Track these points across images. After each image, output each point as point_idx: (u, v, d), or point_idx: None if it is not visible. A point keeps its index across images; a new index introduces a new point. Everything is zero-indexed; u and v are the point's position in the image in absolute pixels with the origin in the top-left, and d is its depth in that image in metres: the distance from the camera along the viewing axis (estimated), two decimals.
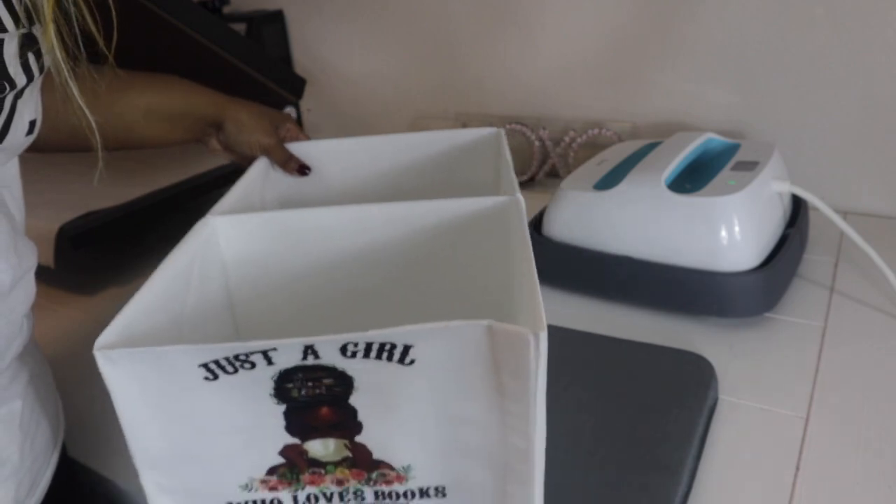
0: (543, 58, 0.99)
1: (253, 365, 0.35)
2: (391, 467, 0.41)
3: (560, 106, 1.00)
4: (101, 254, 0.84)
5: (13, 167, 0.48)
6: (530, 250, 0.42)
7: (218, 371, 0.36)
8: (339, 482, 0.41)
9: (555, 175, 0.99)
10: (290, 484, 0.41)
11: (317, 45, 1.20)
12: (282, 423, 0.38)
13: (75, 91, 0.44)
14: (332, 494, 0.42)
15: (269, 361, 0.35)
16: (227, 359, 0.35)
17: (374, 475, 0.41)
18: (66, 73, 0.43)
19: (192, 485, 0.41)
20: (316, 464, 0.40)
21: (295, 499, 0.42)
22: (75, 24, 0.42)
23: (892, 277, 0.64)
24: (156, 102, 0.61)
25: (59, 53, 0.41)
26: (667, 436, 0.49)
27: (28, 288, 0.48)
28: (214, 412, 0.38)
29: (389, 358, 0.35)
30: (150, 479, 0.41)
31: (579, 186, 0.71)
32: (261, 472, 0.41)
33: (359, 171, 0.66)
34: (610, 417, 0.51)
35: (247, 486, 0.41)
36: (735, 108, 0.87)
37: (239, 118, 0.63)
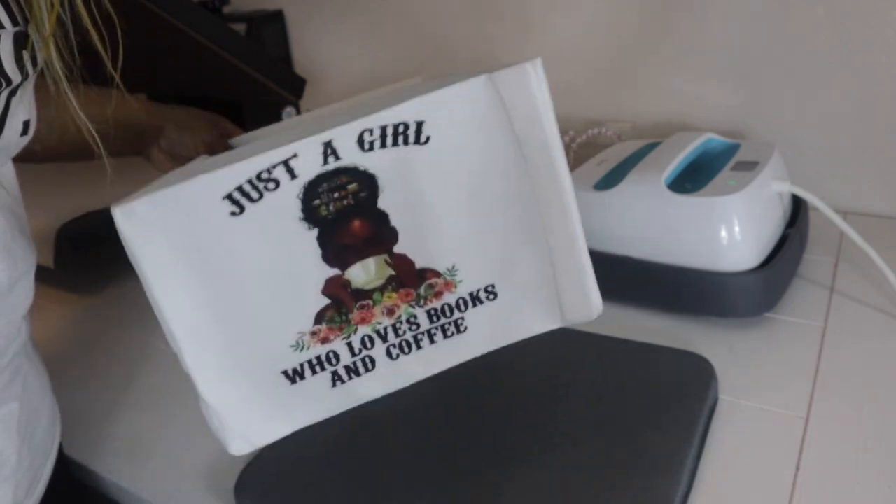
0: (543, 57, 0.98)
1: (277, 183, 0.34)
2: (437, 273, 0.39)
3: (560, 106, 0.99)
4: (101, 254, 0.84)
5: (9, 171, 0.48)
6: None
7: (243, 200, 0.34)
8: (390, 312, 0.39)
9: None
10: (340, 329, 0.39)
11: (317, 45, 1.20)
12: (317, 252, 0.36)
13: (73, 101, 0.44)
14: (385, 330, 0.39)
15: (292, 174, 0.34)
16: (250, 182, 0.34)
17: (422, 290, 0.39)
18: (65, 85, 0.42)
19: (241, 359, 0.37)
20: (361, 295, 0.38)
21: (350, 346, 0.39)
22: (72, 37, 0.42)
23: (892, 277, 0.64)
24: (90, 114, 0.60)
25: (57, 64, 0.41)
26: (667, 436, 0.49)
27: (27, 289, 0.48)
28: (247, 256, 0.35)
29: (405, 141, 0.35)
30: (198, 363, 0.37)
31: (579, 186, 0.71)
32: (308, 323, 0.38)
33: None
34: (609, 417, 0.51)
35: (297, 344, 0.38)
36: (735, 108, 0.87)
37: (177, 119, 0.63)
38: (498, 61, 1.02)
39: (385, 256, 0.37)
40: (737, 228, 0.61)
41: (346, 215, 0.36)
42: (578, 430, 0.50)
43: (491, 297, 0.40)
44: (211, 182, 0.33)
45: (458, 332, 0.40)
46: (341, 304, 0.38)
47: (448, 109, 0.36)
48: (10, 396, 0.47)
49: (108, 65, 0.44)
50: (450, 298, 0.40)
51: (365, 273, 0.38)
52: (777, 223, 0.66)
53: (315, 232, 0.36)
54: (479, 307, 0.40)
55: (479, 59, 1.04)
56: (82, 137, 0.46)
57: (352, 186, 0.35)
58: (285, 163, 0.33)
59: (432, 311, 0.40)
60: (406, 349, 0.40)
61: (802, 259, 0.71)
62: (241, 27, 1.12)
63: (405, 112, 0.34)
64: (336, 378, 0.40)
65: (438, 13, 1.05)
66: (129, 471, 0.56)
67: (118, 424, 0.61)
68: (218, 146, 0.62)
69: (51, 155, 0.58)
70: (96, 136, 0.46)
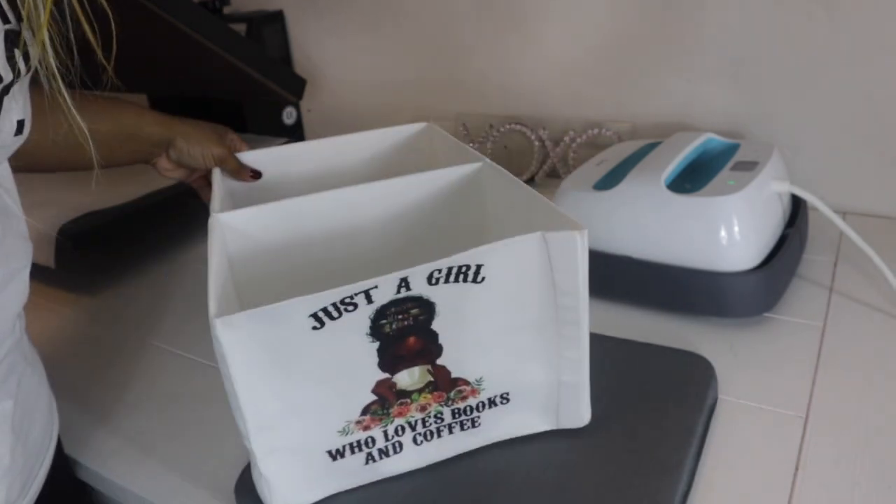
0: (544, 58, 0.99)
1: (355, 306, 0.40)
2: (467, 382, 0.47)
3: (560, 106, 1.00)
4: (101, 254, 0.84)
5: (5, 169, 0.48)
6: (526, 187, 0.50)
7: (325, 318, 0.40)
8: (423, 408, 0.46)
9: (555, 175, 0.99)
10: (380, 420, 0.46)
11: (317, 45, 1.20)
12: (375, 360, 0.43)
13: (67, 99, 0.44)
14: (416, 422, 0.47)
15: (369, 300, 0.40)
16: (334, 304, 0.40)
17: (452, 394, 0.47)
18: (60, 83, 0.43)
19: (295, 441, 0.44)
20: (403, 394, 0.45)
21: (385, 433, 0.46)
22: (70, 31, 0.42)
23: (891, 277, 0.64)
24: (104, 126, 0.61)
25: (51, 60, 0.41)
26: (666, 435, 0.49)
27: (20, 287, 0.48)
28: (318, 361, 0.42)
29: (465, 279, 0.42)
30: (261, 443, 0.43)
31: (579, 186, 0.71)
32: (356, 414, 0.45)
33: (302, 174, 0.68)
34: (609, 417, 0.51)
35: (343, 430, 0.45)
36: (735, 108, 0.87)
37: (187, 133, 0.65)
38: (498, 63, 1.02)
39: (428, 366, 0.45)
40: (736, 228, 0.61)
41: (405, 332, 0.43)
42: (578, 429, 0.50)
43: (504, 401, 0.48)
44: (304, 303, 0.39)
45: (473, 426, 0.48)
46: (386, 400, 0.45)
47: (504, 256, 0.42)
48: (4, 395, 0.46)
49: (99, 54, 0.44)
50: (472, 402, 0.48)
51: (410, 378, 0.45)
52: (776, 223, 0.67)
53: (377, 344, 0.43)
54: (494, 409, 0.48)
55: (480, 59, 1.04)
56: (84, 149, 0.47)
57: (414, 311, 0.42)
58: (366, 292, 0.40)
59: (456, 410, 0.48)
60: (429, 437, 0.48)
61: (802, 259, 0.71)
62: (241, 27, 1.12)
63: (472, 256, 0.42)
64: (369, 458, 0.47)
65: (438, 14, 1.05)
66: (129, 470, 0.56)
67: (118, 424, 0.61)
68: (227, 161, 0.66)
69: (60, 163, 0.60)
70: (89, 138, 0.46)
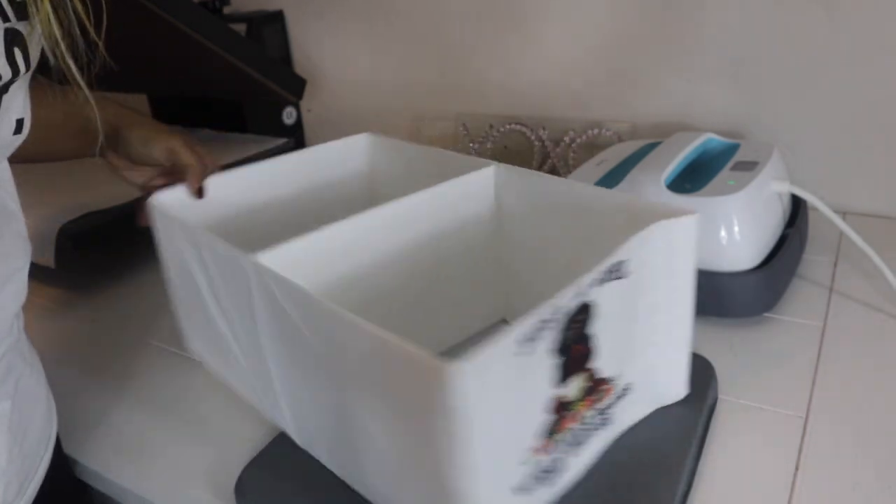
0: (544, 58, 0.99)
1: (549, 323, 0.39)
2: (606, 381, 0.46)
3: (560, 106, 1.00)
4: (101, 254, 0.84)
5: (4, 170, 0.48)
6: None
7: (528, 341, 0.37)
8: (576, 418, 0.44)
9: (555, 175, 0.99)
10: (552, 439, 0.42)
11: (317, 45, 1.20)
12: (556, 377, 0.41)
13: (73, 67, 0.43)
14: (576, 432, 0.45)
15: (557, 313, 0.39)
16: (536, 325, 0.37)
17: (597, 395, 0.46)
18: (63, 50, 0.42)
19: (491, 477, 0.39)
20: (566, 407, 0.43)
21: (546, 450, 0.43)
22: (69, 7, 0.42)
23: (891, 277, 0.64)
24: (55, 117, 0.56)
25: (55, 30, 0.41)
26: (667, 435, 0.49)
27: (18, 287, 0.48)
28: (527, 390, 0.39)
29: (617, 276, 0.43)
30: (487, 486, 0.38)
31: None
32: (537, 440, 0.41)
33: (256, 197, 0.64)
34: None
35: (524, 460, 0.41)
36: (735, 108, 0.87)
37: (138, 122, 0.59)
38: (498, 63, 1.02)
39: (588, 372, 0.44)
40: (736, 228, 0.61)
41: (574, 341, 0.42)
42: None
43: (627, 392, 0.48)
44: (516, 329, 0.36)
45: (606, 425, 0.48)
46: (556, 417, 0.42)
47: (642, 248, 0.44)
48: (2, 395, 0.46)
49: (91, 31, 0.44)
50: (609, 399, 0.47)
51: (576, 388, 0.43)
52: (776, 223, 0.67)
53: (558, 359, 0.40)
54: (621, 402, 0.48)
55: (480, 59, 1.04)
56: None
57: (581, 317, 0.41)
58: (559, 306, 0.38)
59: (599, 411, 0.46)
60: (582, 443, 0.46)
61: (802, 259, 0.71)
62: (241, 27, 1.12)
63: (625, 252, 0.42)
64: (547, 482, 0.43)
65: (438, 14, 1.05)
66: (129, 470, 0.56)
67: (118, 423, 0.61)
68: (180, 153, 0.59)
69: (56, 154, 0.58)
70: (94, 105, 0.45)
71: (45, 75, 0.45)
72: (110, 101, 0.61)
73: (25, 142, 0.46)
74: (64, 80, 0.45)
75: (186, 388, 0.65)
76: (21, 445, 0.48)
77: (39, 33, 0.42)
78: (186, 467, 0.55)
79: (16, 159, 0.54)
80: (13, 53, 0.40)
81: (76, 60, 0.44)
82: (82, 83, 0.45)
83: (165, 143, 0.58)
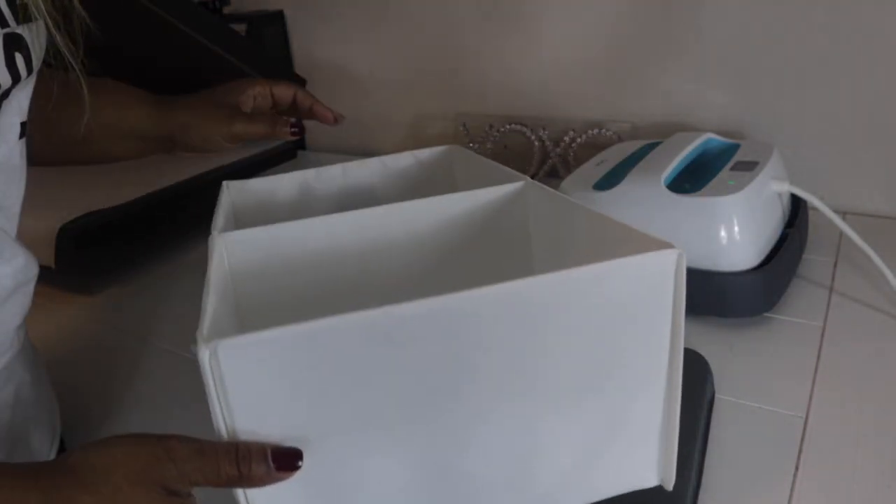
0: (543, 58, 0.99)
1: None
2: None
3: (560, 106, 1.00)
4: (102, 254, 0.84)
5: (2, 184, 0.48)
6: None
7: None
8: None
9: (555, 175, 0.99)
10: None
11: (317, 45, 1.20)
12: None
13: (73, 62, 0.43)
14: None
15: None
16: None
17: None
18: (52, 26, 0.42)
19: None
20: None
21: None
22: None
23: (891, 277, 0.64)
24: (100, 121, 0.54)
25: (41, 4, 0.40)
26: None
27: (21, 302, 0.47)
28: None
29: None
30: None
31: (579, 186, 0.71)
32: None
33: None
34: None
35: None
36: (735, 108, 0.87)
37: (181, 123, 0.57)
38: (498, 63, 1.02)
39: None
40: (736, 228, 0.61)
41: None
42: None
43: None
44: None
45: None
46: None
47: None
48: (1, 406, 0.46)
49: (79, 6, 0.43)
50: None
51: None
52: (776, 223, 0.67)
53: None
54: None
55: (480, 58, 1.04)
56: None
57: None
58: None
59: None
60: None
61: (802, 259, 0.71)
62: (241, 27, 1.12)
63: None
64: None
65: (438, 14, 1.05)
66: None
67: (118, 424, 0.61)
68: (246, 133, 0.57)
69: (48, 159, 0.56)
70: (85, 85, 0.44)
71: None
72: (142, 100, 0.59)
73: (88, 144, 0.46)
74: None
75: (187, 388, 0.65)
76: (22, 454, 0.48)
77: (43, 36, 0.42)
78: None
79: (75, 160, 0.55)
80: (13, 59, 0.40)
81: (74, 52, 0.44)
82: (83, 82, 0.45)
83: (220, 132, 0.56)
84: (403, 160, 0.65)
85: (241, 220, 0.59)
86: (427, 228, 0.52)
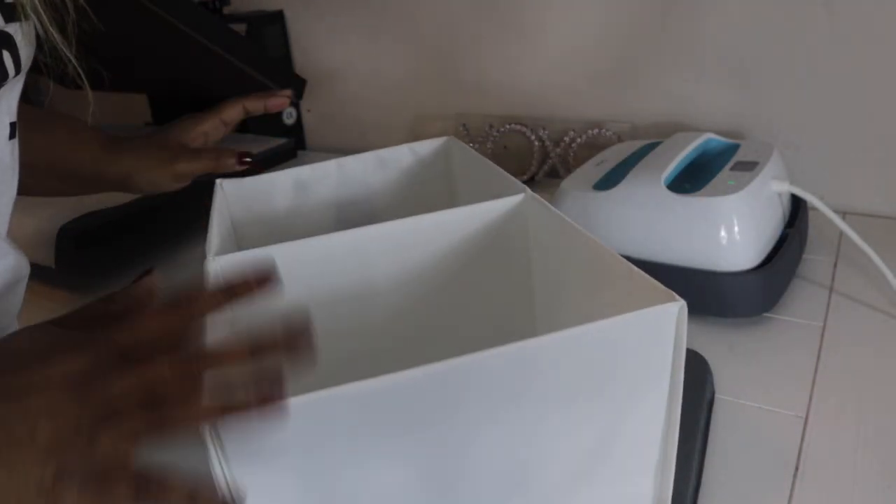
0: (543, 58, 0.99)
1: None
2: None
3: (560, 106, 1.00)
4: (101, 254, 0.84)
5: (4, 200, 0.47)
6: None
7: None
8: None
9: (555, 175, 0.99)
10: None
11: (317, 45, 1.20)
12: None
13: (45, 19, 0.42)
14: None
15: None
16: None
17: None
18: (47, 24, 0.41)
19: None
20: None
21: None
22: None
23: (891, 277, 0.64)
24: (56, 158, 0.56)
25: (36, 3, 0.40)
26: None
27: (12, 302, 0.47)
28: None
29: None
30: None
31: (579, 186, 0.71)
32: None
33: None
34: None
35: None
36: (735, 108, 0.87)
37: (127, 167, 0.57)
38: (498, 63, 1.02)
39: None
40: (736, 228, 0.61)
41: None
42: None
43: None
44: None
45: None
46: None
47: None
48: None
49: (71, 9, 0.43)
50: None
51: None
52: (776, 223, 0.67)
53: None
54: None
55: (480, 58, 1.04)
56: None
57: None
58: None
59: None
60: None
61: (802, 259, 0.71)
62: (241, 27, 1.12)
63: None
64: None
65: (438, 14, 1.05)
66: None
67: None
68: (192, 169, 0.58)
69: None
70: (82, 73, 0.44)
71: (39, 74, 0.45)
72: (88, 140, 0.58)
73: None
74: (60, 80, 0.45)
75: None
76: None
77: (33, 35, 0.42)
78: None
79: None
80: (2, 57, 0.39)
81: (70, 51, 0.44)
82: (84, 81, 0.45)
83: (168, 173, 0.57)
84: (399, 153, 0.65)
85: (237, 221, 0.59)
86: (426, 244, 0.51)
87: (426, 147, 0.65)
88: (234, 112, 0.63)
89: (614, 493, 0.40)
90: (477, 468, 0.36)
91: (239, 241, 0.57)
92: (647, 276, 0.37)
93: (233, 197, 0.59)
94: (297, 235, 0.49)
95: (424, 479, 0.35)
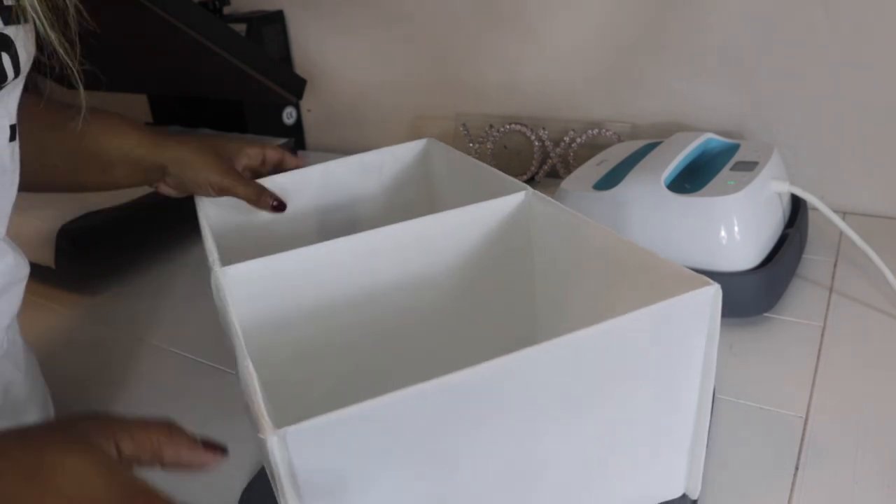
0: (543, 58, 0.99)
1: None
2: None
3: (560, 106, 1.00)
4: (101, 254, 0.84)
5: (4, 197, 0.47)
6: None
7: None
8: None
9: (555, 175, 0.99)
10: None
11: (317, 45, 1.20)
12: None
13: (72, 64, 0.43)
14: None
15: None
16: None
17: None
18: (47, 26, 0.41)
19: None
20: None
21: None
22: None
23: (890, 277, 0.64)
24: (91, 147, 0.56)
25: (36, 5, 0.40)
26: None
27: (10, 301, 0.47)
28: None
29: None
30: None
31: (579, 186, 0.71)
32: None
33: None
34: None
35: None
36: (735, 108, 0.87)
37: (181, 158, 0.58)
38: (498, 63, 1.02)
39: None
40: (736, 228, 0.61)
41: None
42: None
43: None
44: None
45: None
46: None
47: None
48: None
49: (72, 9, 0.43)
50: None
51: None
52: (776, 223, 0.67)
53: None
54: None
55: (480, 59, 1.04)
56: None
57: None
58: None
59: None
60: None
61: (802, 259, 0.71)
62: (241, 27, 1.12)
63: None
64: None
65: (438, 14, 1.05)
66: None
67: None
68: (236, 189, 0.58)
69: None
70: (77, 73, 0.44)
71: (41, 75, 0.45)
72: (139, 129, 0.59)
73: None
74: (60, 80, 0.45)
75: (187, 388, 0.65)
76: None
77: (33, 37, 0.42)
78: (187, 473, 0.55)
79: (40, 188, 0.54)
80: (1, 59, 0.39)
81: (71, 57, 0.44)
82: (80, 85, 0.45)
83: (210, 179, 0.58)
84: (379, 157, 0.67)
85: (216, 230, 0.58)
86: (428, 246, 0.51)
87: (406, 150, 0.67)
88: (274, 154, 0.65)
89: (651, 472, 0.42)
90: (546, 460, 0.37)
91: (220, 251, 0.57)
92: (674, 263, 0.39)
93: (211, 208, 0.60)
94: (279, 243, 0.49)
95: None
